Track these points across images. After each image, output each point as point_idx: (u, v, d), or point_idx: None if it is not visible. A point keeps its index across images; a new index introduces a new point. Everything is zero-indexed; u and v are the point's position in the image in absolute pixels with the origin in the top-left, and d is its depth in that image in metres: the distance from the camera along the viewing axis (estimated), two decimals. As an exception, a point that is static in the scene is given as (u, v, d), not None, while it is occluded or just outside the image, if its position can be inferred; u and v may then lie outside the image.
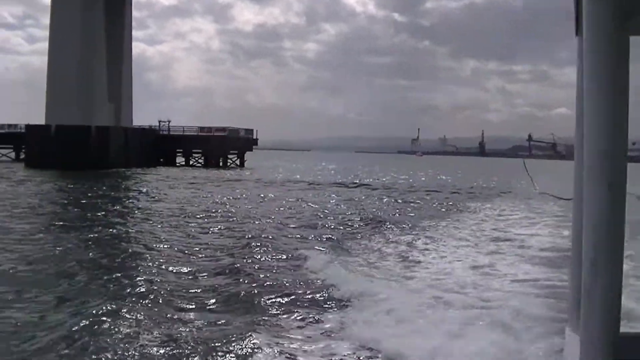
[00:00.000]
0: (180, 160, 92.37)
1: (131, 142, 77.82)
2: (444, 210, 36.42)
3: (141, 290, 14.54)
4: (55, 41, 74.85)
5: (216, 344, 10.72)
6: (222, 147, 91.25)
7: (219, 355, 10.21)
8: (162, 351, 10.33)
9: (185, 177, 63.29)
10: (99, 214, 29.77)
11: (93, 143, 71.52)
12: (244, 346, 10.51)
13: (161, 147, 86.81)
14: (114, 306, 12.90)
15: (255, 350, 10.34)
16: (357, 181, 65.15)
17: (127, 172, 66.69)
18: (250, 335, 10.99)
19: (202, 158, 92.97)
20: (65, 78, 72.61)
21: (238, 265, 17.63)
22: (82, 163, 67.04)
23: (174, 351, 10.36)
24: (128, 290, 14.49)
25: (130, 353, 10.20)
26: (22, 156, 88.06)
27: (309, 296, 14.33)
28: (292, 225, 27.19)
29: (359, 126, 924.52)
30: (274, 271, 17.19)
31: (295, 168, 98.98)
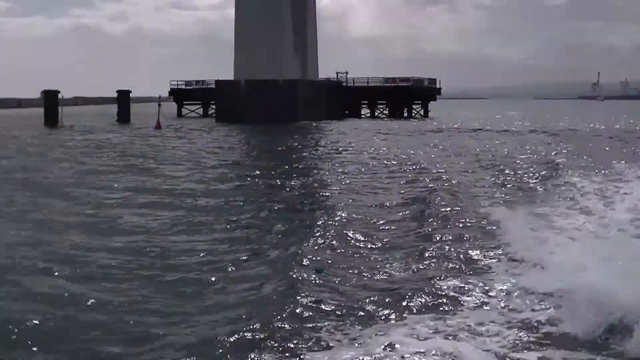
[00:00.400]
0: (365, 111, 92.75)
1: (318, 94, 78.50)
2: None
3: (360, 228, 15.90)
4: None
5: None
6: (407, 97, 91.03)
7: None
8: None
9: (373, 128, 64.04)
10: (309, 163, 30.70)
11: (282, 97, 72.33)
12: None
13: (345, 98, 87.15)
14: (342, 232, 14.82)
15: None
16: (540, 127, 64.12)
17: (317, 124, 67.80)
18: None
19: (387, 109, 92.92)
20: (252, 33, 74.01)
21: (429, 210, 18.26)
22: (271, 116, 68.44)
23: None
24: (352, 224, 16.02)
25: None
26: (210, 112, 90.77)
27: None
28: (485, 173, 27.89)
29: (537, 72, 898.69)
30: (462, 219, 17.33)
31: (477, 116, 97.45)
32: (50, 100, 68.49)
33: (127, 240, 14.76)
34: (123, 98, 77.00)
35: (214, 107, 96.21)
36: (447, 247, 13.85)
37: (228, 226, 16.63)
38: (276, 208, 19.11)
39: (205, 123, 74.05)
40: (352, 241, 14.37)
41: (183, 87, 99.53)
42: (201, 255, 13.54)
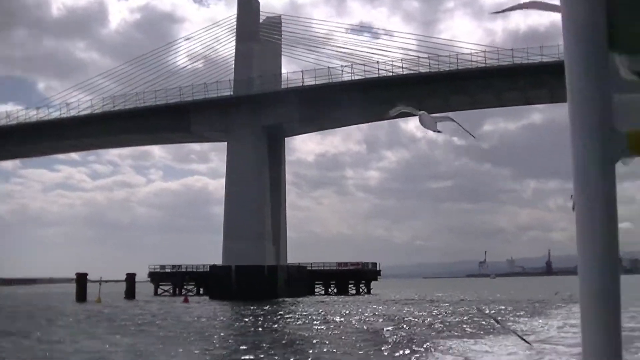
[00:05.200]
0: (319, 290, 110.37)
1: (290, 277, 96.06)
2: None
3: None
4: (231, 195, 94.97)
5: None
6: (357, 277, 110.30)
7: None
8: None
9: (338, 301, 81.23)
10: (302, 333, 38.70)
11: (265, 279, 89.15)
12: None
13: (306, 280, 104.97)
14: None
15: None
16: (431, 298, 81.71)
17: (291, 300, 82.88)
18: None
19: (336, 288, 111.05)
20: (240, 226, 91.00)
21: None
22: (256, 295, 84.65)
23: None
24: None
25: None
26: (202, 291, 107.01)
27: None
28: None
29: (426, 252, 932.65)
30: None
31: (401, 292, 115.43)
32: (81, 280, 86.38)
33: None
34: (130, 278, 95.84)
35: (186, 287, 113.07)
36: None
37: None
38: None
39: (201, 301, 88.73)
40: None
41: (158, 270, 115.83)
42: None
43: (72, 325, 42.06)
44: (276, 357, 25.88)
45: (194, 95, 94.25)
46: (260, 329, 40.18)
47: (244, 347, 29.66)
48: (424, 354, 26.46)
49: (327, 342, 30.96)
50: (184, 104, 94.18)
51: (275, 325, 42.92)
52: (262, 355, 26.15)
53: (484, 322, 38.88)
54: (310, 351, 27.60)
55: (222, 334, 37.14)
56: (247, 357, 26.06)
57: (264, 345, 29.93)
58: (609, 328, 1.78)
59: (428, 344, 29.74)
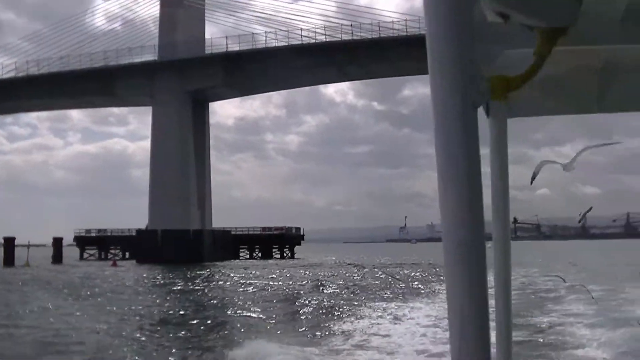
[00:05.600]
0: (243, 254, 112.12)
1: (215, 241, 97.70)
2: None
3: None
4: (157, 160, 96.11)
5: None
6: (281, 242, 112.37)
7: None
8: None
9: (263, 265, 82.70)
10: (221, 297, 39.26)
11: (191, 243, 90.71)
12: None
13: (231, 244, 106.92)
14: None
15: None
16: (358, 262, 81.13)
17: (216, 264, 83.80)
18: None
19: (260, 252, 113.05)
20: (166, 191, 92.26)
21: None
22: (182, 259, 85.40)
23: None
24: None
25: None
26: (127, 255, 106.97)
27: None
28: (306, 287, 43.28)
29: (345, 217, 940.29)
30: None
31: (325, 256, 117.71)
32: (9, 244, 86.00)
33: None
34: (57, 243, 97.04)
35: (112, 251, 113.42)
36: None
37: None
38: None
39: (128, 265, 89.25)
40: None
41: (84, 234, 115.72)
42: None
43: (14, 290, 42.47)
44: (227, 314, 27.54)
45: (118, 60, 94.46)
46: (199, 292, 41.57)
47: (193, 305, 31.45)
48: (353, 313, 27.72)
49: (263, 302, 32.52)
50: (109, 69, 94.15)
51: (218, 289, 44.31)
52: (208, 313, 27.87)
53: (402, 285, 41.30)
54: (251, 311, 28.82)
55: (167, 297, 38.29)
56: (205, 312, 27.91)
57: (211, 302, 31.77)
58: (474, 289, 1.56)
59: (357, 303, 31.27)
